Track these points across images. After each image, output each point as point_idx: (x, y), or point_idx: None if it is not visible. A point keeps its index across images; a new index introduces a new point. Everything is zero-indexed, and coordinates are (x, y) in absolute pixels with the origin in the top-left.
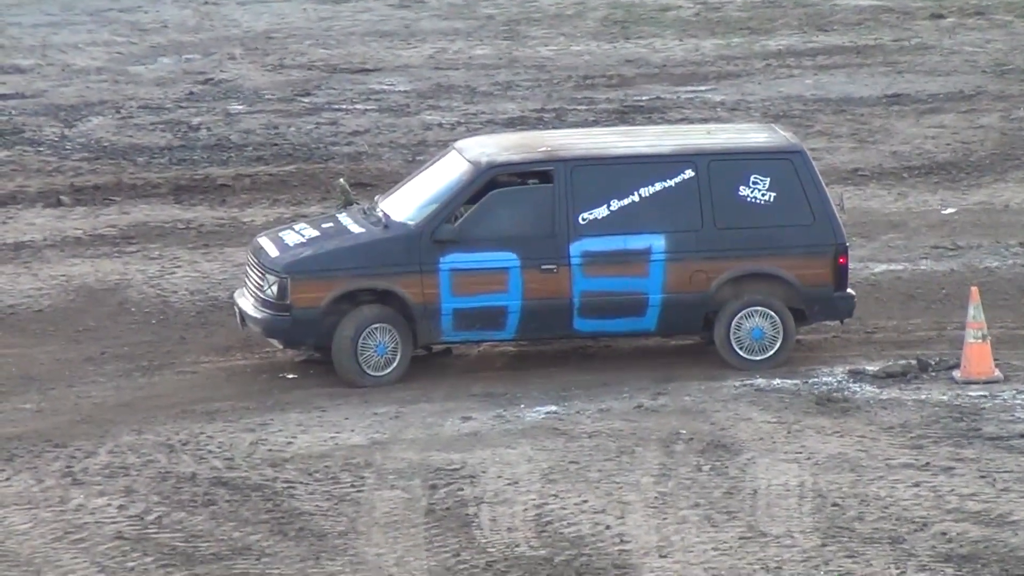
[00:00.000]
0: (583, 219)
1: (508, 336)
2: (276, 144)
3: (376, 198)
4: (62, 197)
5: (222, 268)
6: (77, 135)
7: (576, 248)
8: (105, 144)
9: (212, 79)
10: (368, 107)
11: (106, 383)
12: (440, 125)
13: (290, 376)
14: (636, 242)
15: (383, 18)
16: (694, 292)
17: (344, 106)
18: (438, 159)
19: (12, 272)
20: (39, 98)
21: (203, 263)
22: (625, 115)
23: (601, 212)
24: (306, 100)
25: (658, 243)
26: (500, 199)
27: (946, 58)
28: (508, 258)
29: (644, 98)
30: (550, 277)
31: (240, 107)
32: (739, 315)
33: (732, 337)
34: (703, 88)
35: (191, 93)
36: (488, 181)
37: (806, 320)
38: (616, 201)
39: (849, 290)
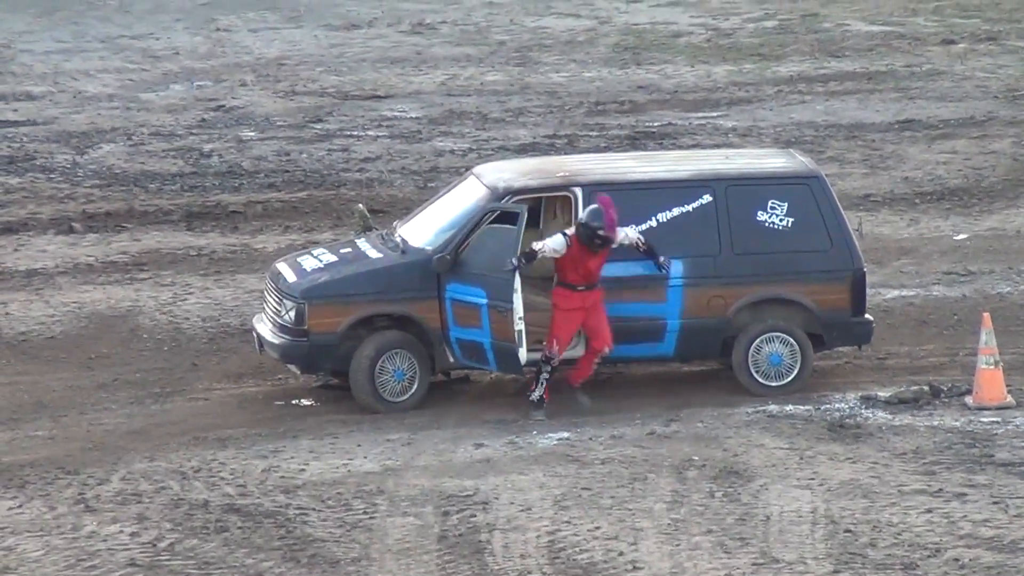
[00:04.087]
0: None
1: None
2: (288, 171)
3: (394, 223)
4: (74, 224)
5: (234, 295)
6: (88, 162)
7: None
8: (117, 171)
9: (224, 106)
10: (380, 133)
11: (118, 410)
12: (452, 151)
13: (303, 403)
14: (654, 267)
15: (394, 44)
16: (712, 317)
17: (356, 132)
18: (457, 184)
19: (24, 299)
20: (51, 125)
21: (215, 290)
22: (636, 141)
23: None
24: (318, 127)
25: (676, 268)
26: None
27: (958, 84)
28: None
29: (656, 124)
30: None
31: (252, 134)
32: (757, 340)
33: (750, 362)
34: (715, 114)
35: (203, 120)
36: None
37: (824, 345)
38: (634, 226)
39: (867, 315)
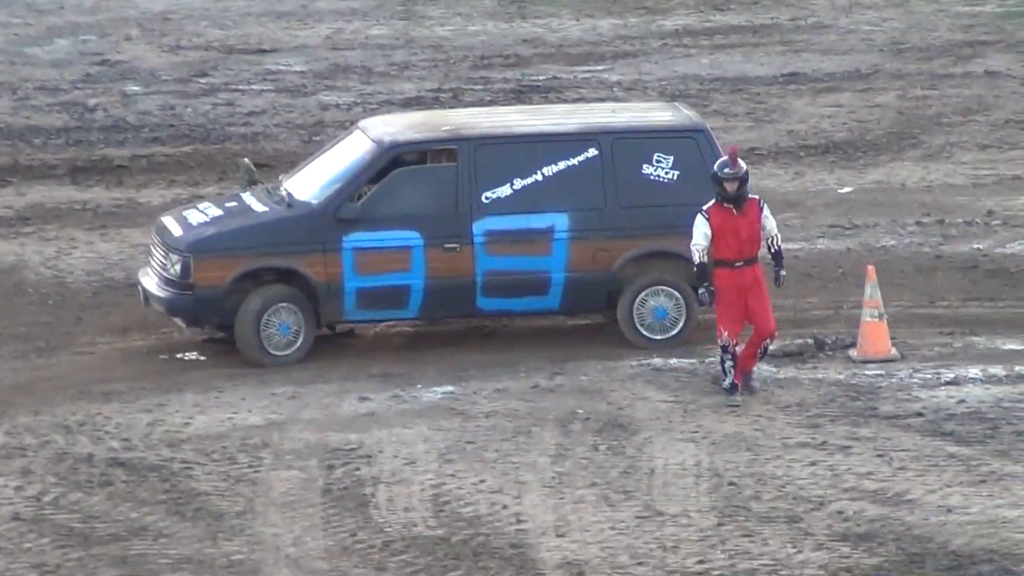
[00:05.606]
0: (486, 198)
1: (411, 315)
2: (173, 125)
3: (280, 177)
4: None
5: (119, 249)
6: None
7: (479, 227)
8: (1, 126)
9: (109, 60)
10: (265, 88)
11: (2, 364)
12: (337, 106)
13: (188, 356)
14: (539, 221)
15: None
16: (597, 271)
17: (241, 87)
18: (343, 138)
19: None
20: None
21: (100, 244)
22: (522, 95)
23: (504, 191)
24: (203, 81)
25: (561, 222)
26: (403, 178)
27: (842, 37)
28: (411, 237)
29: (541, 78)
30: (453, 256)
31: (137, 88)
32: (642, 294)
33: (635, 316)
34: (600, 68)
35: (88, 74)
36: (391, 160)
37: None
38: (519, 180)
39: None
